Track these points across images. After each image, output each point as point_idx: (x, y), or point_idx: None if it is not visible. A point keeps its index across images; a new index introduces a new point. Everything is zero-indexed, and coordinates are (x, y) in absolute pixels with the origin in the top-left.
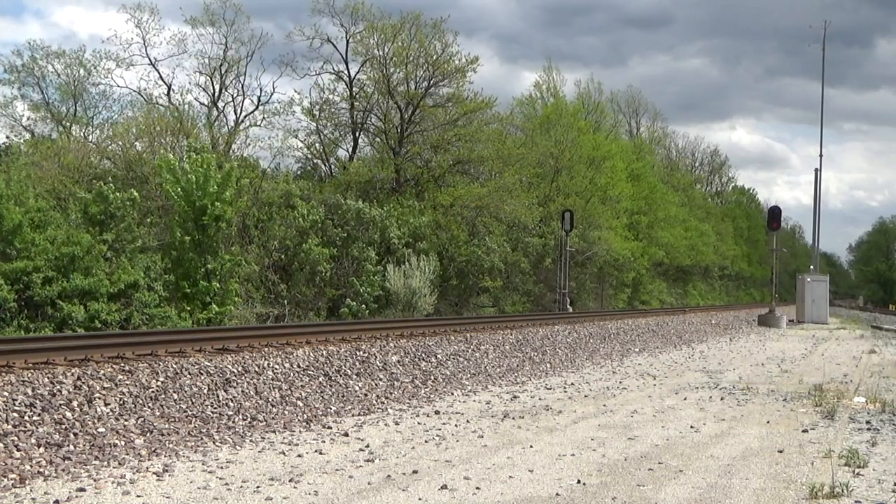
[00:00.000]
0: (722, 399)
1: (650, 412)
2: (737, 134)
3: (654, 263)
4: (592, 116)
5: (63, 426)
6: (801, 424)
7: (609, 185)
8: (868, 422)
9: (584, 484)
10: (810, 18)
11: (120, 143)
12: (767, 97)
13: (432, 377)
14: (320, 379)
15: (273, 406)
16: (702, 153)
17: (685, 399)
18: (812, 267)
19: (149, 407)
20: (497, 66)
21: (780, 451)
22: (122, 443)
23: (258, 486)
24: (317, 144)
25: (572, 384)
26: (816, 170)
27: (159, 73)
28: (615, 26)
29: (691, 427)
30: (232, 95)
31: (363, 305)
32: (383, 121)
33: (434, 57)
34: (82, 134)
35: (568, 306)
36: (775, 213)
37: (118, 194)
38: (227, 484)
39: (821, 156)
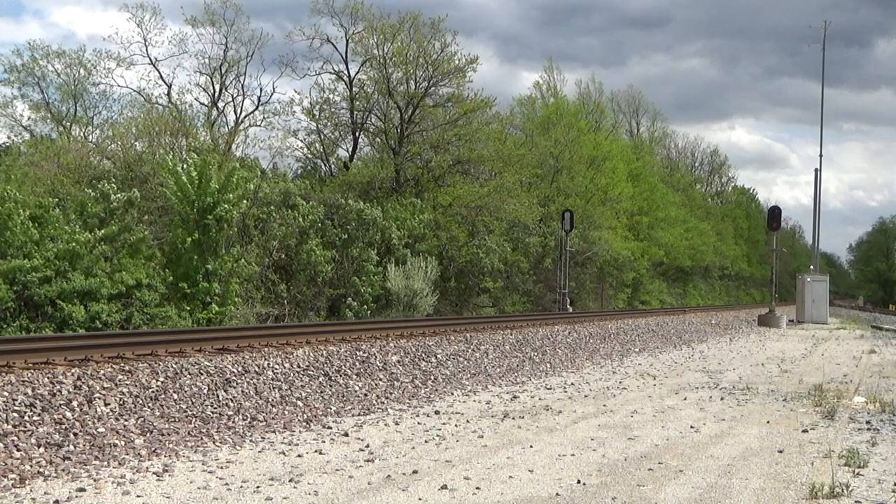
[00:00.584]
0: (722, 399)
1: (650, 412)
2: (736, 134)
3: (654, 263)
4: (593, 116)
5: (63, 426)
6: (801, 424)
7: (609, 185)
8: (868, 422)
9: (584, 484)
10: (809, 19)
11: (120, 143)
12: (766, 97)
13: (432, 377)
14: (320, 379)
15: (273, 406)
16: (701, 153)
17: (685, 399)
18: (812, 267)
19: (149, 407)
20: (496, 66)
21: (780, 451)
22: (122, 443)
23: (258, 486)
24: (317, 144)
25: (572, 384)
26: (816, 170)
27: (160, 72)
28: (614, 26)
29: (691, 427)
30: (232, 95)
31: (363, 305)
32: (383, 121)
33: (433, 56)
34: (82, 134)
35: (568, 306)
36: (775, 213)
37: (120, 195)
38: (227, 484)
39: (821, 156)
